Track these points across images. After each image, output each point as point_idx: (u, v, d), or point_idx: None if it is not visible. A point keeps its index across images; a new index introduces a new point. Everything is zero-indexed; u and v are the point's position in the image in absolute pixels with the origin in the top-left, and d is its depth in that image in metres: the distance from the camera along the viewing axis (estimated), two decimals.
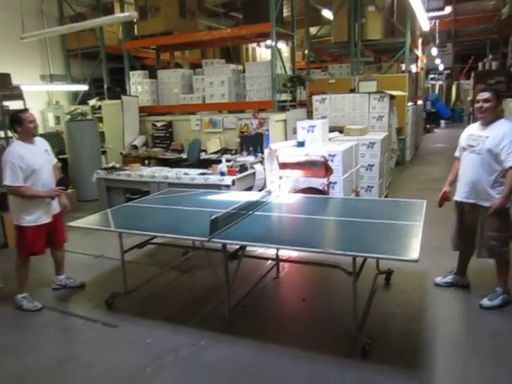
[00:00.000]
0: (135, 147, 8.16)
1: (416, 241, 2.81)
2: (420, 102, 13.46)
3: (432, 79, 22.79)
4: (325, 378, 2.72)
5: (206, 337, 3.22)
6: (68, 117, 8.68)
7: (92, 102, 9.20)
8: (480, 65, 17.66)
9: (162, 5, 8.19)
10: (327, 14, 11.11)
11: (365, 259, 3.24)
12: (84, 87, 9.32)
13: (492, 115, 3.40)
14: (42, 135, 7.16)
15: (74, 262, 4.77)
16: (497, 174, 3.34)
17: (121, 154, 8.10)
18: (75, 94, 9.93)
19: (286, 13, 8.78)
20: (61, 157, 8.09)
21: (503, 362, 2.82)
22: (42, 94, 9.38)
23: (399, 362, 2.84)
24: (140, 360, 2.98)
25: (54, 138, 7.75)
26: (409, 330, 3.24)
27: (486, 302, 3.48)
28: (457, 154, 3.74)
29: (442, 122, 20.66)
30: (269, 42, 10.85)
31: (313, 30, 11.84)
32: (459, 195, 3.61)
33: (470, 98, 19.55)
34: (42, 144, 3.98)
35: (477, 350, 2.97)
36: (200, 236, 3.19)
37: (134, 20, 8.28)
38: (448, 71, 23.62)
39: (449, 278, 3.88)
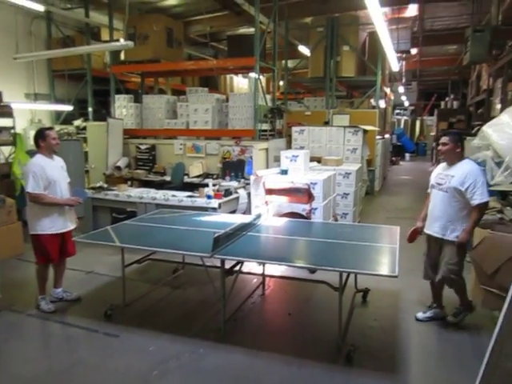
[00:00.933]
0: (119, 168, 8.38)
1: (395, 260, 3.25)
2: (387, 136, 14.28)
3: (398, 114, 24.06)
4: (315, 381, 3.08)
5: (203, 346, 3.52)
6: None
7: (77, 123, 9.40)
8: (442, 103, 18.95)
9: (150, 33, 8.59)
10: (303, 49, 11.82)
11: (348, 277, 3.65)
12: (69, 107, 9.51)
13: (453, 156, 3.72)
14: (27, 152, 7.42)
15: (66, 277, 4.93)
16: (461, 210, 3.65)
17: (104, 174, 8.30)
18: (58, 114, 10.09)
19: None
20: None
21: (465, 366, 3.25)
22: (26, 112, 9.49)
23: (379, 367, 3.24)
24: (145, 365, 3.25)
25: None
26: (385, 341, 3.66)
27: (450, 318, 3.95)
28: (429, 190, 4.03)
29: (407, 155, 21.78)
30: (251, 74, 11.52)
31: (290, 62, 12.51)
32: (428, 229, 3.92)
33: (432, 134, 20.86)
34: (59, 161, 4.34)
35: (443, 357, 3.41)
36: (201, 252, 3.53)
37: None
38: (412, 107, 25.05)
39: (429, 313, 4.05)
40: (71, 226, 4.31)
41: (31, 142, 9.33)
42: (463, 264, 3.79)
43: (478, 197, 3.52)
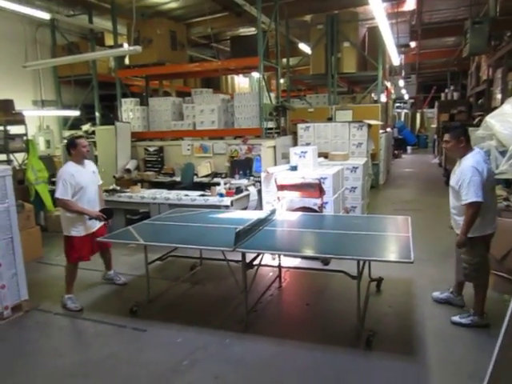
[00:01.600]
0: (128, 171, 8.54)
1: (409, 247, 3.41)
2: (389, 130, 14.42)
3: (398, 108, 24.18)
4: (339, 364, 3.25)
5: (228, 336, 3.69)
6: (65, 141, 9.00)
7: (85, 127, 9.56)
8: (442, 95, 19.05)
9: (154, 37, 8.73)
10: (304, 47, 11.96)
11: (363, 265, 3.80)
12: (76, 113, 9.69)
13: (458, 152, 3.65)
14: (39, 158, 7.59)
15: (86, 278, 5.11)
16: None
17: (114, 177, 8.46)
18: (66, 120, 10.27)
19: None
20: (54, 179, 8.42)
21: (481, 347, 3.40)
22: (34, 119, 9.68)
23: (397, 351, 3.41)
24: (174, 355, 3.42)
25: (45, 162, 8.05)
26: (402, 326, 3.82)
27: (456, 318, 3.79)
28: None
29: (409, 148, 21.90)
30: (253, 73, 11.67)
31: (291, 60, 12.66)
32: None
33: (433, 126, 20.97)
34: (90, 166, 4.65)
35: (459, 339, 3.57)
36: (223, 247, 3.69)
37: None
38: (412, 100, 25.16)
39: (444, 295, 4.18)
40: (99, 224, 4.57)
41: (41, 147, 9.64)
42: (482, 261, 3.67)
43: (463, 197, 3.47)
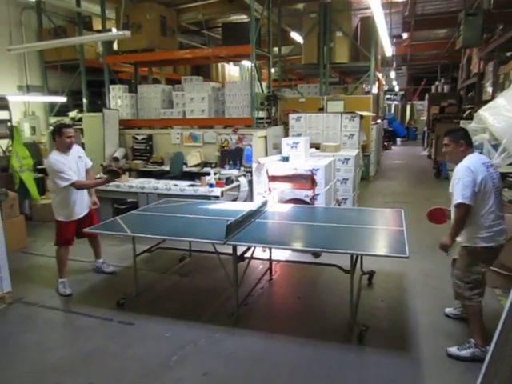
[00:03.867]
0: (116, 159, 8.36)
1: (404, 241, 3.35)
2: (380, 121, 14.39)
3: (388, 99, 24.18)
4: (331, 359, 3.19)
5: (219, 330, 3.61)
6: (51, 128, 8.79)
7: (72, 114, 9.33)
8: (433, 87, 19.08)
9: (143, 22, 8.50)
10: (296, 36, 11.82)
11: (356, 259, 3.75)
12: (63, 99, 9.44)
13: (457, 156, 3.33)
14: (24, 145, 7.39)
15: (75, 268, 5.00)
16: (469, 216, 3.18)
17: (101, 165, 8.29)
18: (52, 106, 10.01)
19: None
20: (39, 167, 8.23)
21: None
22: (19, 105, 9.41)
23: (390, 345, 3.37)
24: (163, 350, 3.33)
25: (31, 149, 7.85)
26: (394, 320, 3.78)
27: (453, 349, 3.25)
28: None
29: (398, 140, 21.96)
30: (243, 61, 11.51)
31: (283, 49, 12.51)
32: None
33: (423, 118, 21.02)
34: (76, 152, 4.57)
35: (452, 333, 3.54)
36: (214, 239, 3.60)
37: None
38: (402, 92, 25.17)
39: (457, 310, 3.81)
40: (86, 210, 4.66)
41: (26, 134, 9.40)
42: (479, 280, 3.24)
43: (453, 197, 3.19)
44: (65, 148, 4.38)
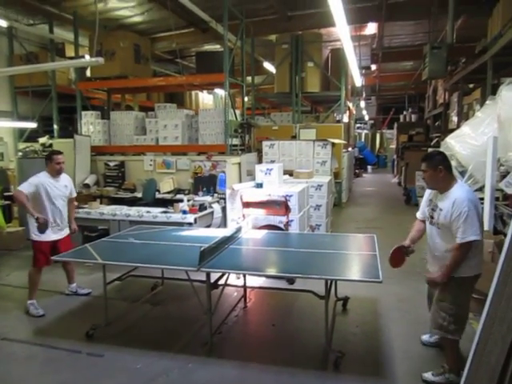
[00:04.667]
0: (87, 186, 8.22)
1: (377, 266, 3.37)
2: (351, 149, 14.70)
3: (358, 128, 24.81)
4: None
5: (191, 360, 3.51)
6: (20, 154, 8.60)
7: (42, 140, 9.14)
8: (401, 117, 19.71)
9: (117, 50, 8.54)
10: (268, 66, 12.09)
11: (331, 285, 3.74)
12: (33, 125, 9.29)
13: (439, 183, 3.18)
14: None
15: (42, 299, 4.78)
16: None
17: None
18: (22, 131, 9.81)
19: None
20: (6, 194, 7.99)
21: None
22: None
23: (366, 372, 3.34)
24: (134, 383, 3.20)
25: None
26: (369, 345, 3.77)
27: (428, 375, 3.23)
28: (418, 215, 3.55)
29: (369, 168, 22.43)
30: (217, 90, 11.63)
31: (256, 78, 12.75)
32: (429, 266, 3.43)
33: (392, 146, 21.60)
34: (64, 180, 4.81)
35: (426, 359, 3.54)
36: (186, 266, 3.54)
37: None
38: (372, 121, 25.90)
39: (433, 339, 3.73)
40: (64, 235, 4.79)
41: None
42: (464, 312, 3.15)
43: (460, 235, 2.97)
44: (54, 173, 4.64)
